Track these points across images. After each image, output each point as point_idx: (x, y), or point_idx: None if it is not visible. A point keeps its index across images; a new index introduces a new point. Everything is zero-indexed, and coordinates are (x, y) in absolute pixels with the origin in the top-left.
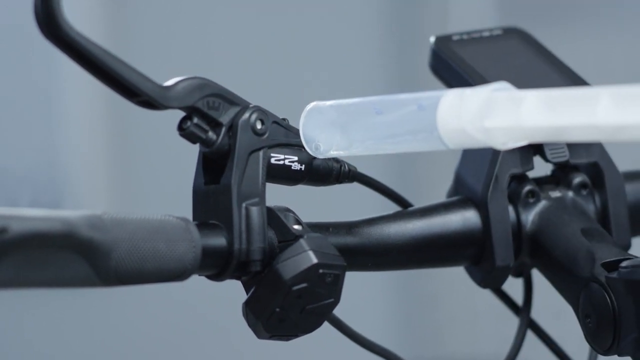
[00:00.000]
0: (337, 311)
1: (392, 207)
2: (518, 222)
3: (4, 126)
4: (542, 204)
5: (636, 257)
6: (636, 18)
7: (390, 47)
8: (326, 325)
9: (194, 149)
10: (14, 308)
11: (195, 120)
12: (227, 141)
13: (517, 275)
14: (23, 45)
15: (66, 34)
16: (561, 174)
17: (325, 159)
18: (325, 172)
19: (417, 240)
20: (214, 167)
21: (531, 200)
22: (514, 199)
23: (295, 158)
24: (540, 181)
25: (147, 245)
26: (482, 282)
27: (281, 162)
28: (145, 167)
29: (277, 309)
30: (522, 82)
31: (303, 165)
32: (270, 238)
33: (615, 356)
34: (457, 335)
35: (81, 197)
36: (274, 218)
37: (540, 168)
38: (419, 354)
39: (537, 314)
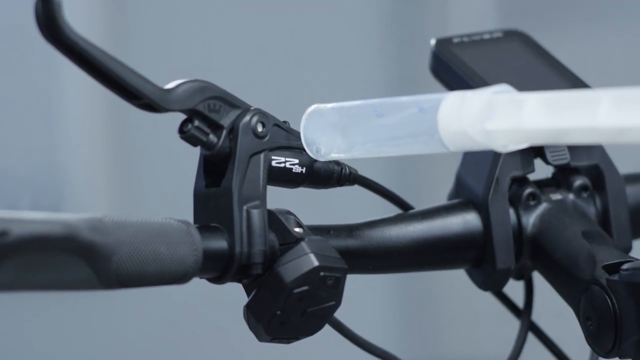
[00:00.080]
0: (338, 313)
1: (393, 210)
2: (519, 224)
3: (4, 127)
4: (543, 206)
5: (637, 259)
6: (636, 20)
7: (390, 49)
8: (327, 327)
9: (195, 152)
10: (15, 311)
11: (196, 123)
12: (228, 144)
13: (518, 277)
14: (23, 46)
15: (67, 37)
16: (562, 176)
17: (326, 161)
18: (326, 175)
19: (418, 243)
20: (214, 170)
21: (532, 202)
22: (515, 201)
23: (296, 161)
24: (541, 184)
25: (148, 248)
26: (483, 284)
27: (282, 165)
28: (146, 169)
29: (278, 312)
30: (523, 84)
31: (304, 168)
32: (271, 241)
33: (616, 359)
34: (457, 337)
35: (81, 199)
36: (275, 221)
37: (541, 170)
38: (419, 355)
39: (538, 316)
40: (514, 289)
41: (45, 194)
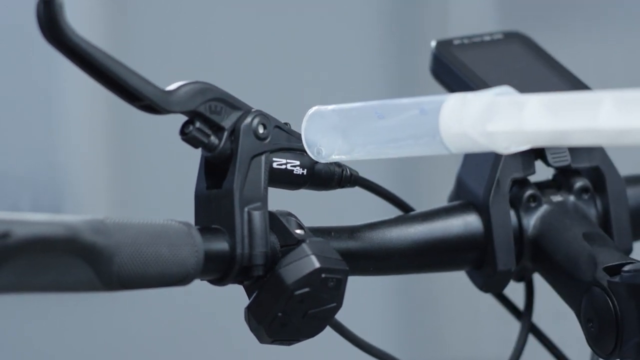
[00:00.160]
0: (338, 314)
1: (394, 212)
2: (520, 226)
3: (4, 128)
4: (544, 208)
5: (638, 261)
6: (636, 22)
7: (390, 50)
8: (327, 329)
9: (196, 154)
10: (16, 313)
11: (198, 124)
12: (229, 146)
13: (518, 279)
14: (23, 47)
15: (69, 38)
16: (562, 178)
17: (327, 163)
18: (327, 177)
19: (418, 245)
20: (216, 172)
21: (533, 204)
22: (516, 203)
23: (297, 162)
24: (541, 185)
25: (149, 250)
26: (484, 286)
27: (283, 167)
28: (147, 171)
29: (280, 314)
30: (523, 86)
31: (305, 170)
32: (272, 243)
33: None
34: (458, 339)
35: (82, 200)
36: (276, 222)
37: (542, 172)
38: (419, 357)
39: (539, 318)
40: (515, 291)
41: (45, 195)
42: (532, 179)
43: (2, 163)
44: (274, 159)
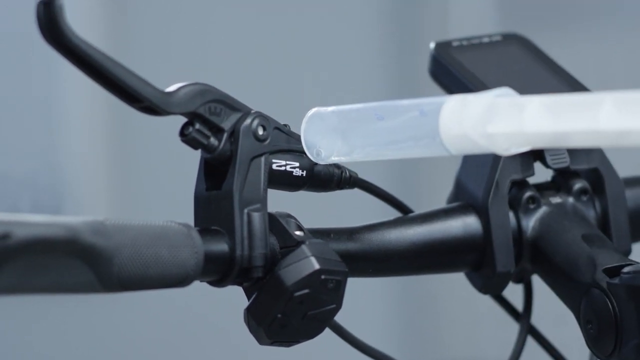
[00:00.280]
0: (337, 316)
1: (393, 213)
2: (519, 228)
3: (4, 130)
4: (543, 210)
5: (637, 262)
6: (636, 23)
7: (390, 50)
8: (327, 330)
9: (196, 155)
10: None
11: (197, 126)
12: (228, 147)
13: (517, 281)
14: (23, 48)
15: (69, 40)
16: (561, 179)
17: (326, 165)
18: (327, 178)
19: (417, 246)
20: (215, 173)
21: (532, 206)
22: (515, 205)
23: (297, 164)
24: (540, 187)
25: (149, 251)
26: (483, 288)
27: (283, 168)
28: (147, 172)
29: (279, 315)
30: (522, 88)
31: (304, 171)
32: (272, 244)
33: None
34: (457, 340)
35: (82, 201)
36: (276, 224)
37: (541, 174)
38: (419, 358)
39: (538, 319)
40: (514, 293)
41: (45, 196)
42: (531, 180)
43: (2, 164)
44: (274, 161)
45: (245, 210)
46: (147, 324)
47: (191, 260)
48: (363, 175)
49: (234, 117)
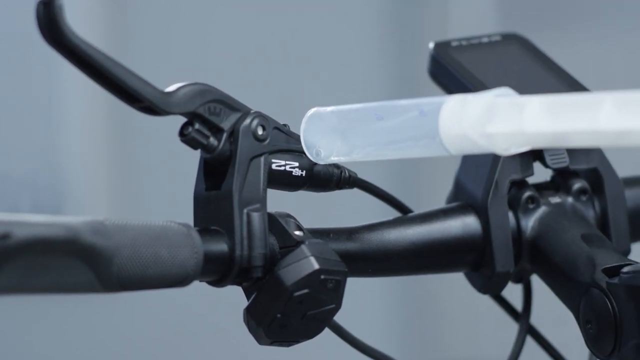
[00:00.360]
0: (337, 316)
1: (392, 213)
2: (518, 228)
3: (4, 130)
4: (542, 209)
5: (637, 262)
6: (636, 23)
7: (390, 50)
8: (326, 330)
9: (195, 155)
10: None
11: (197, 126)
12: (228, 147)
13: (517, 281)
14: (23, 48)
15: (69, 40)
16: (561, 179)
17: (325, 165)
18: (326, 178)
19: (417, 246)
20: (215, 173)
21: (531, 206)
22: (514, 204)
23: (296, 164)
24: (540, 187)
25: (149, 251)
26: (482, 288)
27: (282, 168)
28: (146, 172)
29: (278, 315)
30: (521, 87)
31: (304, 171)
32: (271, 244)
33: None
34: (457, 340)
35: (82, 201)
36: (275, 224)
37: (540, 174)
38: (418, 358)
39: (537, 319)
40: (513, 293)
41: (45, 196)
42: (531, 180)
43: (3, 164)
44: (273, 161)
45: (245, 210)
46: (147, 324)
47: (191, 260)
48: (362, 175)
49: (234, 117)
